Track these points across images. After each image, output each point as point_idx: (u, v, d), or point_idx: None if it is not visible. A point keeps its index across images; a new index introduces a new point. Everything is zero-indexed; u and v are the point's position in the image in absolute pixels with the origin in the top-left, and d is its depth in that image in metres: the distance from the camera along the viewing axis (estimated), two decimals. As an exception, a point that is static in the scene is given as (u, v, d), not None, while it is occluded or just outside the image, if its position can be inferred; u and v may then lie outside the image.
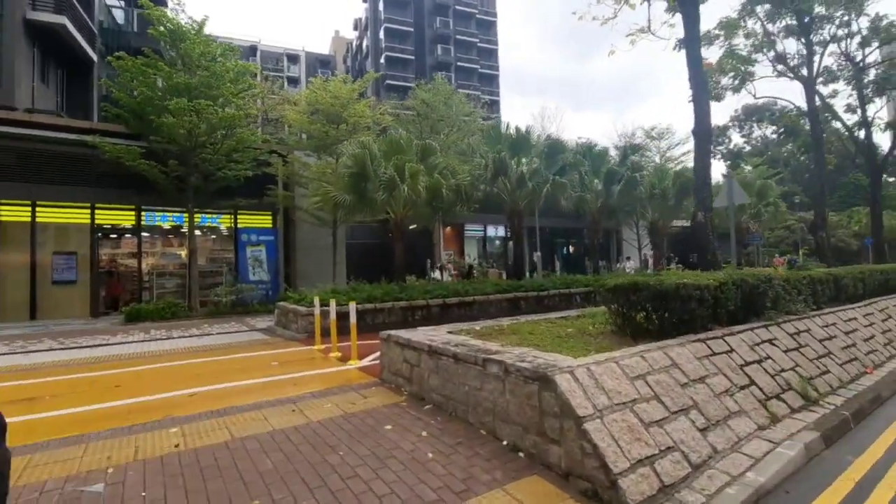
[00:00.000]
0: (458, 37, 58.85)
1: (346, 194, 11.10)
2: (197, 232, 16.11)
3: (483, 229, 24.84)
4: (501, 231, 25.57)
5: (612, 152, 19.56)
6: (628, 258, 27.61)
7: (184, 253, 16.45)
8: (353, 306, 6.70)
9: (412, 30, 58.03)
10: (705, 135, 7.82)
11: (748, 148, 53.58)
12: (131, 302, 15.32)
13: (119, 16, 25.51)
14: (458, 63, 57.28)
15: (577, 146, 15.03)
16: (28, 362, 7.80)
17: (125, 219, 15.89)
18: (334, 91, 16.10)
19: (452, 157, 12.71)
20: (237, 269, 16.80)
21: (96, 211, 15.28)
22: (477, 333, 5.44)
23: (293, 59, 70.76)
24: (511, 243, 15.49)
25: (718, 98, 16.25)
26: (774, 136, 49.92)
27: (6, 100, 15.15)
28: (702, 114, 7.88)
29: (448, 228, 23.19)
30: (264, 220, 17.94)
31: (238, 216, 17.33)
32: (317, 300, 8.25)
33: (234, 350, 8.28)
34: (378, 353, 7.35)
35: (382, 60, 55.66)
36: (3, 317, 14.09)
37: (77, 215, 15.14)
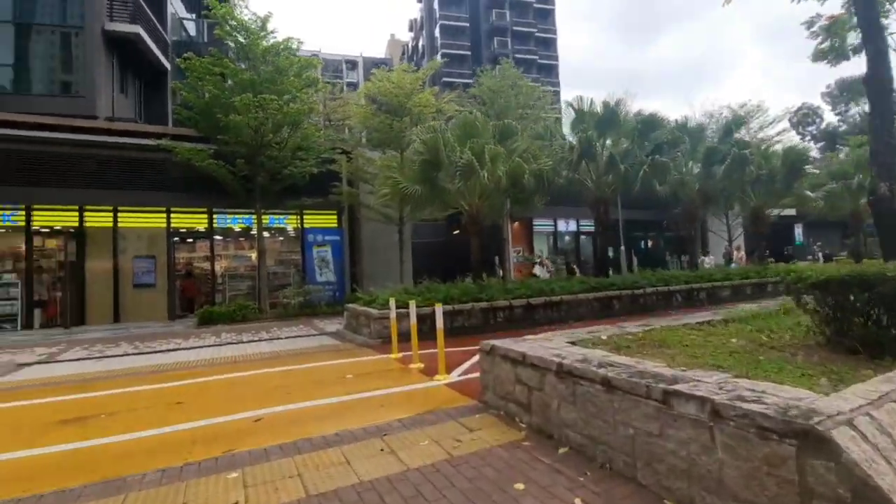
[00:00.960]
0: (515, 28, 57.02)
1: (417, 185, 10.10)
2: (265, 233, 15.89)
3: (553, 223, 23.19)
4: (573, 225, 23.79)
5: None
6: (707, 252, 24.78)
7: (253, 255, 16.33)
8: (439, 310, 5.61)
9: (468, 24, 57.00)
10: (885, 83, 5.99)
11: (844, 127, 47.37)
12: (205, 304, 15.36)
13: (190, 27, 26.44)
14: (516, 55, 55.20)
15: (673, 123, 13.07)
16: (98, 369, 7.44)
17: (198, 222, 15.97)
18: (397, 81, 15.30)
19: (528, 140, 11.37)
20: (304, 270, 16.46)
21: (171, 215, 15.44)
22: (610, 345, 4.14)
23: (352, 64, 72.18)
24: (595, 237, 13.72)
25: (840, 58, 13.65)
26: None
27: (88, 110, 15.68)
28: (878, 57, 6.04)
29: (516, 223, 21.78)
30: (329, 220, 17.49)
31: (304, 216, 16.97)
32: (392, 302, 7.28)
33: (305, 358, 7.48)
34: (468, 365, 6.23)
35: (438, 58, 54.99)
36: (90, 320, 14.53)
37: (154, 220, 15.37)
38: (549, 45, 59.04)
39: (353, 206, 16.98)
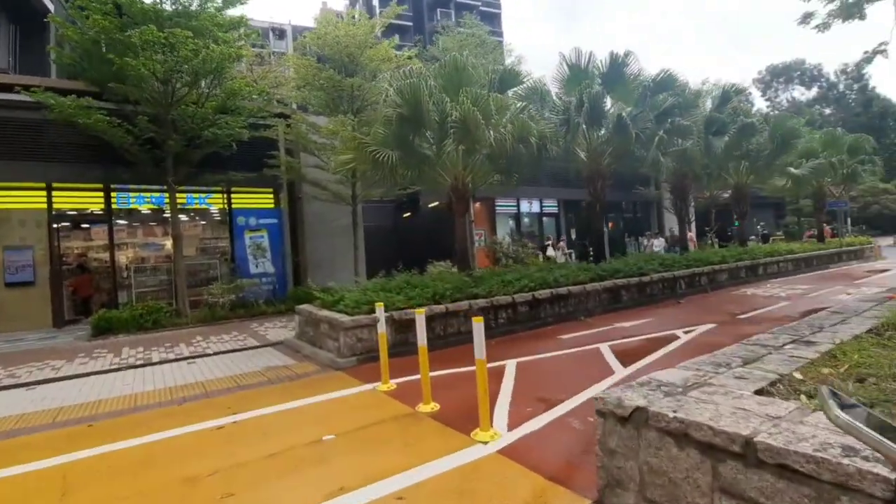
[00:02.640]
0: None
1: (388, 149, 7.75)
2: (182, 217, 12.76)
3: (516, 204, 21.56)
4: (536, 206, 22.31)
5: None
6: (657, 234, 24.46)
7: (167, 242, 13.12)
8: (478, 327, 3.44)
9: (409, -6, 53.59)
10: None
11: (774, 111, 50.38)
12: (105, 305, 12.10)
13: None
14: (460, 29, 52.99)
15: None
16: None
17: (91, 202, 12.44)
18: (346, 31, 12.63)
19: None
20: (234, 261, 13.49)
21: (54, 192, 11.82)
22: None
23: (279, 33, 66.08)
24: (589, 217, 11.80)
25: (824, 28, 12.91)
26: (803, 97, 46.52)
27: (-75, 51, 11.57)
28: None
29: (478, 204, 19.85)
30: (264, 199, 14.54)
31: (232, 195, 13.89)
32: (381, 309, 4.99)
33: (247, 398, 5.02)
34: (506, 404, 4.17)
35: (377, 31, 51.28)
36: (-60, 332, 10.82)
37: (30, 198, 11.70)
38: (494, 20, 57.06)
39: (294, 182, 14.20)
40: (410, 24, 52.37)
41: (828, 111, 45.81)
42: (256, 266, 13.28)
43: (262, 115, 12.26)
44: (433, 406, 4.13)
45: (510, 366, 5.48)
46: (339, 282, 14.02)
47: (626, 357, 5.73)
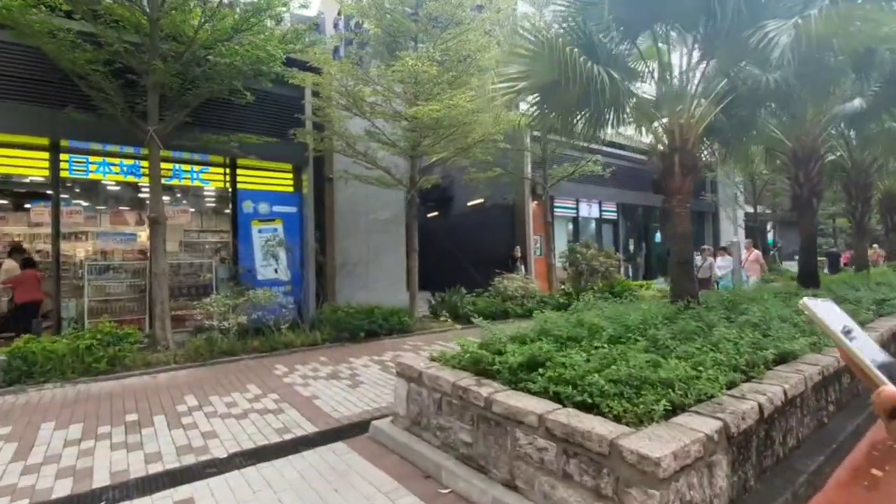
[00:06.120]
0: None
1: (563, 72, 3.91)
2: (165, 197, 8.60)
3: (575, 206, 17.88)
4: (595, 210, 18.66)
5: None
6: (724, 249, 20.68)
7: (143, 232, 8.91)
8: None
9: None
10: None
11: None
12: (45, 316, 7.99)
13: None
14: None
15: None
16: None
17: (31, 165, 8.18)
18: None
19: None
20: (236, 262, 9.41)
21: (-31, 148, 7.60)
22: None
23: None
24: (800, 218, 7.52)
25: None
26: None
27: None
28: None
29: (535, 203, 16.08)
30: (281, 179, 10.46)
31: (237, 170, 9.80)
32: None
33: None
34: None
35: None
36: None
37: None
38: None
39: (324, 156, 10.27)
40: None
41: None
42: (275, 271, 9.18)
43: (295, 48, 8.26)
44: None
45: None
46: (378, 297, 10.16)
47: None
